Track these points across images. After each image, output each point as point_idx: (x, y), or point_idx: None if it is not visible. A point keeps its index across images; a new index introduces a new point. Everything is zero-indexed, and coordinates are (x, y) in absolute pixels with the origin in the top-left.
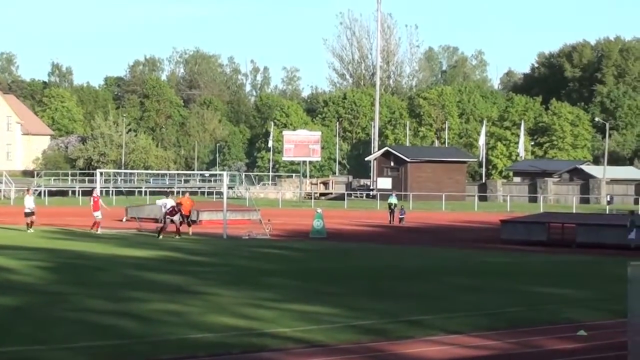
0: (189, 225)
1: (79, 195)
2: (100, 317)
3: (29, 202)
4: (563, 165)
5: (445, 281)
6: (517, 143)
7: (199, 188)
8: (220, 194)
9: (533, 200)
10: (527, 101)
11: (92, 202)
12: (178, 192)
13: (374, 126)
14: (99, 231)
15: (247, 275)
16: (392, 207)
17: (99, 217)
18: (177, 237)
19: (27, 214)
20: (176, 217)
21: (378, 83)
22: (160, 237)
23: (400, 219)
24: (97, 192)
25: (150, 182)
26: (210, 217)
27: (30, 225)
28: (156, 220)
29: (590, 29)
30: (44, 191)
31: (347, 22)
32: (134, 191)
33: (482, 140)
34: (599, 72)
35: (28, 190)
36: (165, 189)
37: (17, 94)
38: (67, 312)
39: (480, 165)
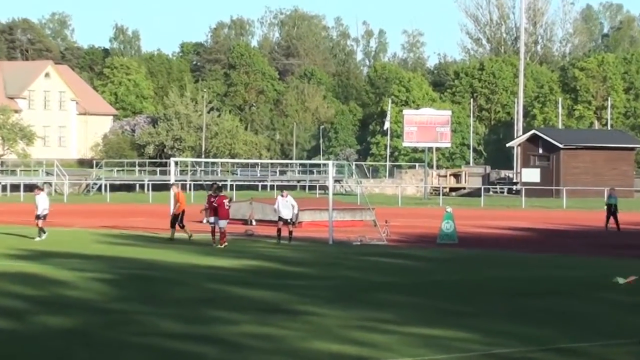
0: (182, 227)
1: (148, 189)
2: (174, 342)
3: (43, 202)
4: None
5: (603, 298)
6: None
7: (298, 181)
8: (324, 188)
9: None
10: None
11: (211, 203)
12: (272, 187)
13: (517, 104)
14: (225, 244)
15: (358, 290)
16: (613, 208)
17: (224, 226)
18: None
19: (39, 217)
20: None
21: (522, 50)
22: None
23: None
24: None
25: (237, 174)
26: (313, 217)
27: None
28: (245, 222)
29: None
30: (105, 185)
31: None
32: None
33: None
34: None
35: (39, 188)
36: (256, 182)
37: (72, 64)
38: (133, 335)
39: None
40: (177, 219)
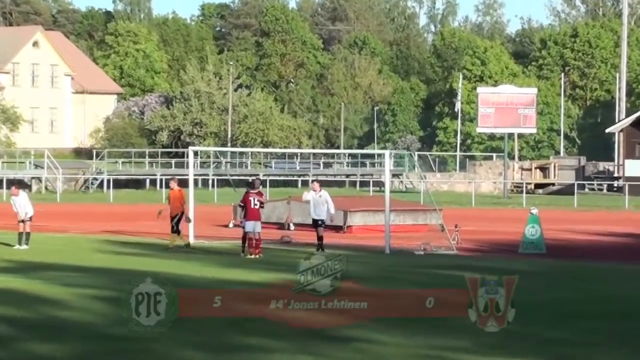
0: (178, 233)
1: (160, 186)
2: None
3: (24, 204)
4: None
5: None
6: None
7: (347, 176)
8: (380, 184)
9: None
10: None
11: (242, 202)
12: (309, 181)
13: (619, 80)
14: (258, 255)
15: None
16: None
17: (257, 231)
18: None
19: (23, 221)
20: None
21: (626, 12)
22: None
23: None
24: (256, 184)
25: (271, 167)
26: (365, 220)
27: (26, 237)
28: (281, 226)
29: None
30: (108, 180)
31: None
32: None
33: None
34: None
35: (18, 186)
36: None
37: (66, 31)
38: None
39: None
40: (179, 222)
